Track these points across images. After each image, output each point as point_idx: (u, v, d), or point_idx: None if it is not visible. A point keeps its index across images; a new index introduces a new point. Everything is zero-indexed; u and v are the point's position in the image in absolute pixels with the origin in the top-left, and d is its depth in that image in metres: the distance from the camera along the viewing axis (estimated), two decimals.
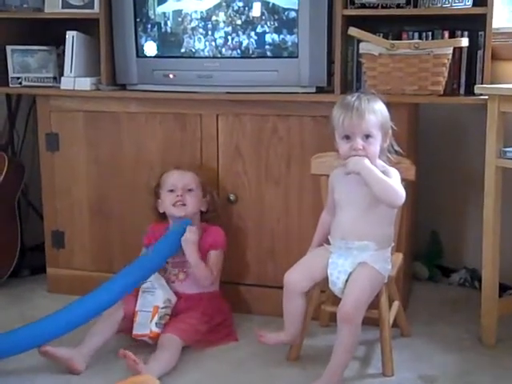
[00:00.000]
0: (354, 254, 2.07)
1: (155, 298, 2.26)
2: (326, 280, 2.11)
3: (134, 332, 2.23)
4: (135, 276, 2.25)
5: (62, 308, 2.16)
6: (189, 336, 2.23)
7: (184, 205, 2.38)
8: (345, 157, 2.05)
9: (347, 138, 2.04)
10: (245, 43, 2.46)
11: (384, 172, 2.03)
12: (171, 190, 2.40)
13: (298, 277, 2.11)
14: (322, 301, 2.26)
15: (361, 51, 2.34)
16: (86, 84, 2.61)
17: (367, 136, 2.02)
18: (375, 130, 2.03)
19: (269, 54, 2.44)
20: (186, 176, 2.42)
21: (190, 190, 2.40)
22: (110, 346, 2.21)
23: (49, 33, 2.80)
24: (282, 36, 2.42)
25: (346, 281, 2.06)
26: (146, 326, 2.22)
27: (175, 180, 2.41)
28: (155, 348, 2.17)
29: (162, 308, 2.25)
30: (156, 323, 2.22)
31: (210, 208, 2.46)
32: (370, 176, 1.98)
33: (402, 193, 2.01)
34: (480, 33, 2.35)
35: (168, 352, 2.14)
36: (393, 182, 2.00)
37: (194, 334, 2.26)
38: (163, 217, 2.46)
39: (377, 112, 2.04)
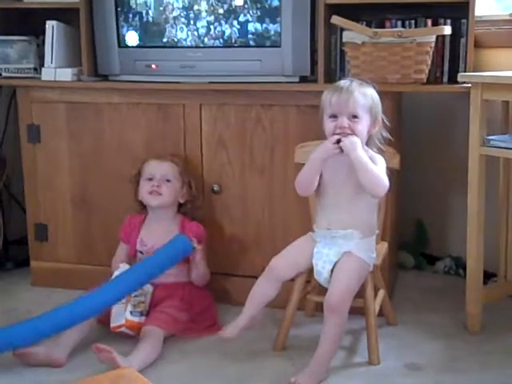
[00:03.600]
0: (339, 243, 2.07)
1: None
2: (311, 270, 2.11)
3: (111, 325, 2.23)
4: (125, 285, 2.21)
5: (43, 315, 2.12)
6: (169, 325, 2.23)
7: (160, 194, 2.37)
8: (330, 136, 2.04)
9: (334, 116, 2.03)
10: (227, 32, 2.44)
11: (370, 158, 2.03)
12: (149, 179, 2.40)
13: (284, 264, 2.11)
14: (308, 291, 2.26)
15: (344, 40, 2.33)
16: (67, 75, 2.58)
17: (354, 116, 2.01)
18: (362, 112, 2.02)
19: (251, 43, 2.43)
20: (164, 166, 2.42)
21: (167, 181, 2.40)
22: (91, 339, 2.19)
23: (28, 22, 2.76)
24: (264, 25, 2.40)
25: (332, 270, 2.06)
26: (120, 316, 2.21)
27: (154, 169, 2.41)
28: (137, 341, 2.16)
29: (135, 296, 2.23)
30: (131, 312, 2.21)
31: (188, 200, 2.45)
32: (360, 161, 1.98)
33: (386, 183, 2.01)
34: (463, 21, 2.34)
35: (149, 343, 2.13)
36: (379, 171, 2.00)
37: (175, 323, 2.25)
38: (142, 206, 2.45)
39: (367, 95, 2.04)
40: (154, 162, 2.42)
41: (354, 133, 2.01)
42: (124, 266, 2.32)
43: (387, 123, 2.11)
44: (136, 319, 2.22)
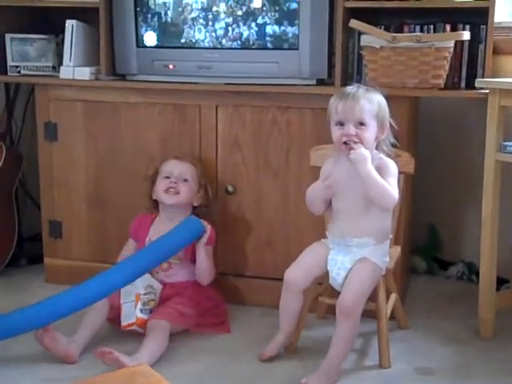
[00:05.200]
0: (354, 251, 2.06)
1: (135, 287, 2.25)
2: (325, 275, 2.11)
3: (122, 324, 2.24)
4: (136, 267, 2.22)
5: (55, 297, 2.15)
6: (175, 318, 2.23)
7: (177, 193, 2.38)
8: (337, 144, 2.03)
9: (340, 124, 2.02)
10: (245, 34, 2.45)
11: (380, 164, 2.02)
12: (167, 177, 2.40)
13: (298, 274, 2.10)
14: (320, 293, 2.26)
15: (362, 44, 2.33)
16: (85, 73, 2.60)
17: (361, 123, 2.00)
18: (369, 119, 2.00)
19: (269, 45, 2.43)
20: (183, 165, 2.42)
21: (185, 180, 2.40)
22: (102, 337, 2.21)
23: (48, 21, 2.79)
24: (282, 27, 2.41)
25: (346, 276, 2.05)
26: (131, 315, 2.22)
27: (172, 167, 2.41)
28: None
29: (144, 294, 2.24)
30: (141, 309, 2.22)
31: (203, 204, 2.45)
32: (368, 176, 1.96)
33: (394, 196, 1.99)
34: (482, 26, 2.35)
35: (154, 339, 2.14)
36: (388, 186, 1.98)
37: (180, 316, 2.26)
38: (155, 205, 2.46)
39: (373, 101, 2.01)
40: (172, 161, 2.43)
41: (361, 140, 1.99)
42: None
43: (395, 126, 2.09)
44: (146, 317, 2.23)
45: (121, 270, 2.19)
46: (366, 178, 1.97)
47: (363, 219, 2.06)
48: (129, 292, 2.24)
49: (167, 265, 2.37)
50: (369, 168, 1.97)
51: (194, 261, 2.38)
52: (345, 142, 2.00)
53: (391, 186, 1.99)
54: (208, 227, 2.33)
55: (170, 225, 2.39)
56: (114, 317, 2.26)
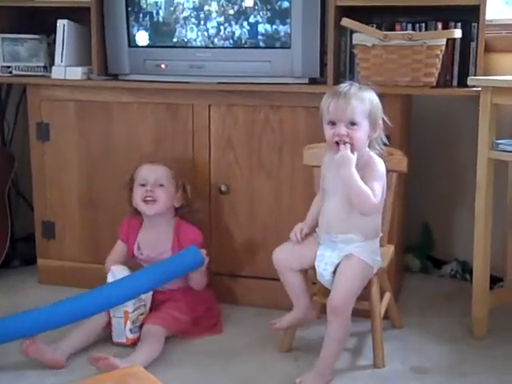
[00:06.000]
0: (340, 247, 2.05)
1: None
2: (314, 271, 2.11)
3: (114, 339, 2.22)
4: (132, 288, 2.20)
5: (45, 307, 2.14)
6: (170, 324, 2.22)
7: (154, 201, 2.33)
8: (329, 143, 2.02)
9: (332, 123, 2.00)
10: (237, 33, 2.44)
11: (369, 162, 2.01)
12: (142, 185, 2.35)
13: (286, 255, 2.11)
14: (314, 292, 2.26)
15: (354, 42, 2.33)
16: (77, 73, 2.59)
17: (352, 123, 1.98)
18: (360, 118, 1.98)
19: (261, 44, 2.43)
20: (157, 170, 2.36)
21: (161, 185, 2.35)
22: (95, 341, 2.21)
23: (39, 21, 2.78)
24: (274, 26, 2.40)
25: (334, 272, 2.05)
26: (121, 333, 2.20)
27: (147, 174, 2.36)
28: None
29: (133, 312, 2.20)
30: (130, 329, 2.19)
31: (184, 204, 2.42)
32: (348, 180, 1.96)
33: (375, 203, 1.97)
34: (473, 24, 2.34)
35: (150, 342, 2.13)
36: (369, 192, 1.95)
37: (176, 322, 2.25)
38: (137, 211, 2.41)
39: (364, 100, 1.99)
40: (146, 166, 2.37)
41: (352, 140, 1.98)
42: (117, 269, 2.27)
43: (389, 123, 2.08)
44: (136, 336, 2.21)
45: (114, 291, 2.17)
46: (347, 181, 1.96)
47: (350, 216, 2.04)
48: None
49: None
50: (351, 172, 1.95)
51: None
52: (336, 142, 2.00)
53: (373, 191, 1.97)
54: (206, 259, 2.29)
55: (156, 232, 2.38)
56: (109, 324, 2.24)
